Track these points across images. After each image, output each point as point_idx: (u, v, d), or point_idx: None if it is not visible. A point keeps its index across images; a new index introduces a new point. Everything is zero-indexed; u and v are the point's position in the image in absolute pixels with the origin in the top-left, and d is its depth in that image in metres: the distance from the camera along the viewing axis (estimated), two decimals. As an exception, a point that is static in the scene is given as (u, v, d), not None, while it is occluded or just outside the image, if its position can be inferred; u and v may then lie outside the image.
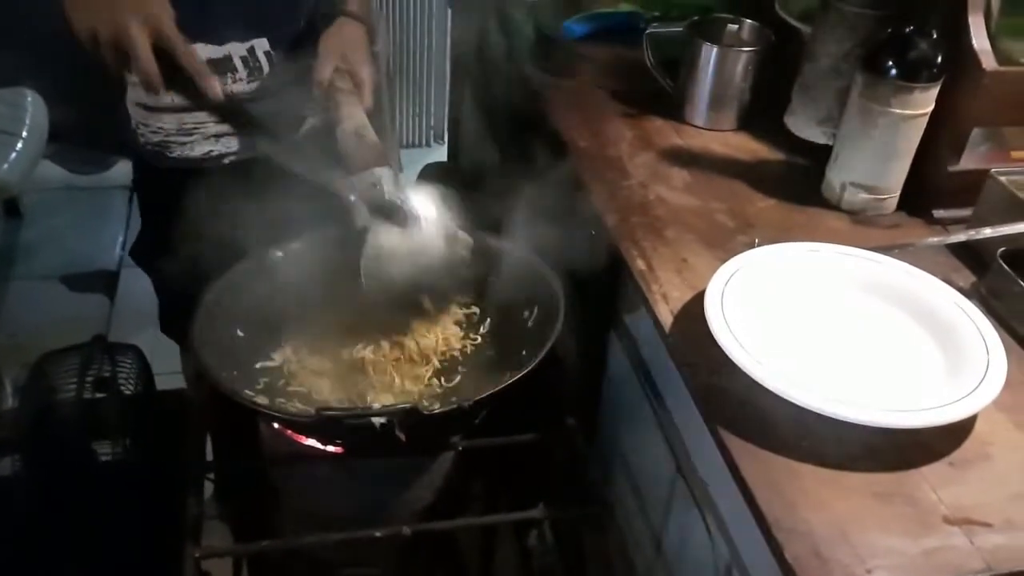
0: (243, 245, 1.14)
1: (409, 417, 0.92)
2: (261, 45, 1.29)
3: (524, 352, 1.05)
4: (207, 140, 1.34)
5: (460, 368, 1.12)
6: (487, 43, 1.78)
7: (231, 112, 1.12)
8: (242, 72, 1.29)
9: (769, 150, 1.28)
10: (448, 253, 1.13)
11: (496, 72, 1.71)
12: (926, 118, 1.08)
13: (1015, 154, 1.14)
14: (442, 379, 1.10)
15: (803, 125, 1.26)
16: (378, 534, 1.01)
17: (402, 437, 0.93)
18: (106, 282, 2.66)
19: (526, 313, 1.13)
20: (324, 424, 0.94)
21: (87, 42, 1.00)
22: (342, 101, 1.22)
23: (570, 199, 1.22)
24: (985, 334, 0.89)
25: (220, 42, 1.26)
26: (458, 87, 2.16)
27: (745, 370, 0.84)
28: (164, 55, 0.99)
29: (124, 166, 3.11)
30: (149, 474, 1.45)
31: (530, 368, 0.98)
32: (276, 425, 1.11)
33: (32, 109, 2.48)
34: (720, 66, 1.29)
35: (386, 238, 1.10)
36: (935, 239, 1.07)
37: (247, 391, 1.03)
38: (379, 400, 1.06)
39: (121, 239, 2.84)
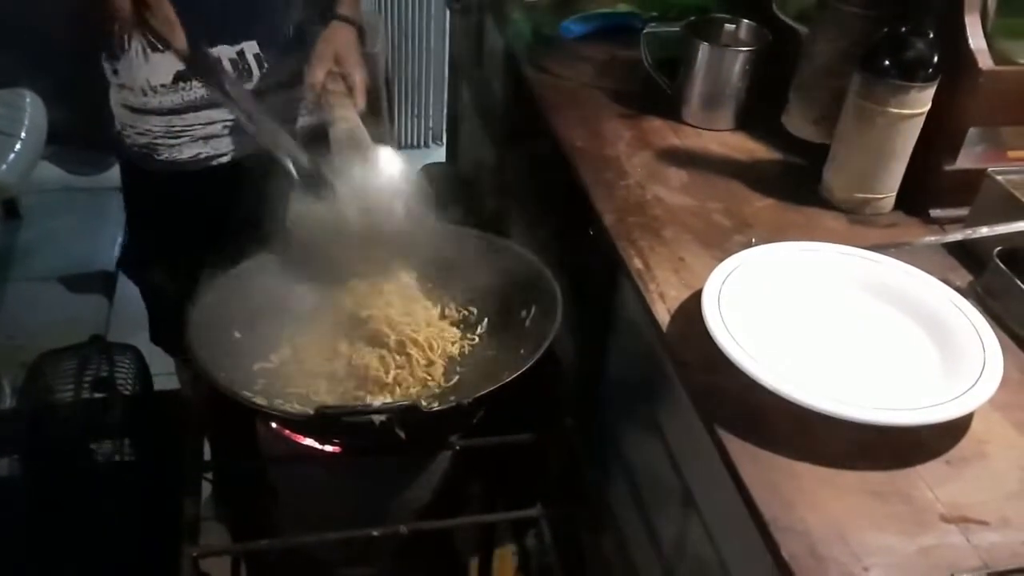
0: (236, 247, 1.14)
1: (408, 415, 0.93)
2: (251, 48, 1.30)
3: (522, 351, 1.06)
4: (195, 143, 1.33)
5: (458, 368, 1.12)
6: (485, 44, 1.78)
7: (198, 67, 1.13)
8: (231, 74, 1.30)
9: (766, 150, 1.28)
10: (379, 220, 1.13)
11: (494, 73, 1.71)
12: (922, 118, 1.08)
13: (1012, 154, 1.15)
14: (441, 378, 1.10)
15: (800, 125, 1.27)
16: (376, 533, 1.02)
17: (401, 435, 0.93)
18: (104, 283, 2.66)
19: (524, 312, 1.13)
20: (323, 422, 0.95)
21: None
22: (335, 103, 1.22)
23: (568, 199, 1.23)
24: (981, 333, 0.89)
25: (210, 44, 1.26)
26: (456, 88, 2.16)
27: (742, 368, 0.84)
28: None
29: (123, 167, 3.12)
30: (147, 474, 1.45)
31: (528, 367, 0.98)
32: (274, 425, 1.11)
33: (31, 110, 2.48)
34: (717, 66, 1.29)
35: (306, 206, 1.11)
36: (932, 238, 1.08)
37: (245, 391, 1.03)
38: (377, 400, 1.06)
39: (119, 240, 2.84)
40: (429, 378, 1.10)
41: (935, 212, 1.14)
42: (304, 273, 1.16)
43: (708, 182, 1.20)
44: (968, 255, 1.06)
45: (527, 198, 1.52)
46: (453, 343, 1.14)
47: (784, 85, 1.28)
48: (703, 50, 1.29)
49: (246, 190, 1.20)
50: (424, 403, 1.01)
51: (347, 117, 1.20)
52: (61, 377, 1.52)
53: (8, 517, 1.45)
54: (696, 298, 0.94)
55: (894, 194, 1.14)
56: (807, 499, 0.77)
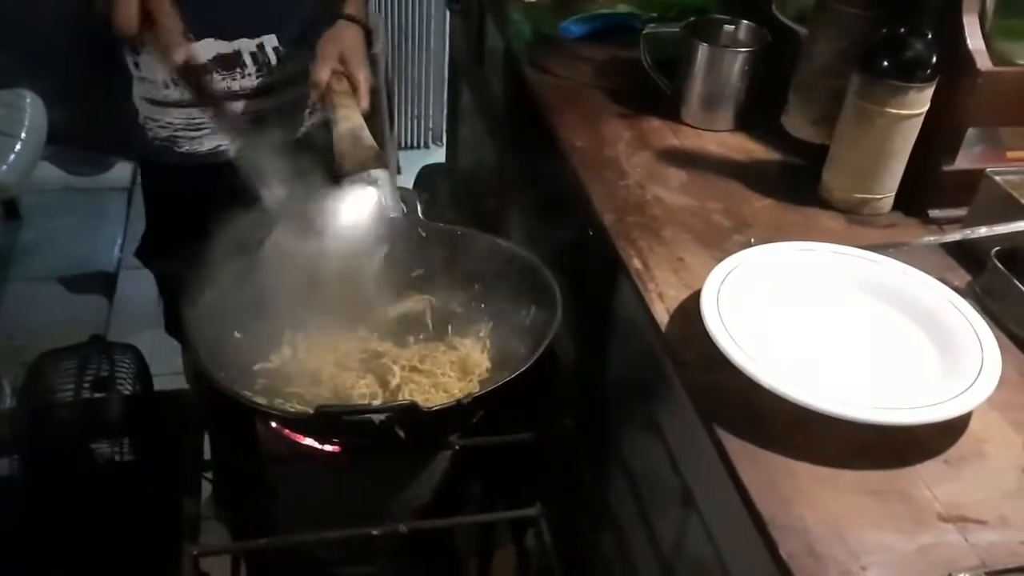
0: (246, 242, 1.14)
1: (408, 414, 0.93)
2: (270, 41, 1.30)
3: (522, 351, 1.06)
4: (215, 135, 1.34)
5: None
6: (485, 44, 1.79)
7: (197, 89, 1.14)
8: (251, 68, 1.31)
9: (765, 150, 1.29)
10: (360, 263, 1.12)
11: (494, 73, 1.71)
12: (921, 118, 1.08)
13: (1010, 154, 1.15)
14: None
15: (799, 125, 1.27)
16: (375, 532, 1.02)
17: (401, 434, 0.93)
18: (104, 283, 2.66)
19: (523, 312, 1.13)
20: (322, 421, 0.95)
21: None
22: (339, 103, 1.22)
23: (567, 199, 1.23)
24: (980, 333, 0.89)
25: (230, 38, 1.27)
26: (456, 88, 2.17)
27: (740, 367, 0.84)
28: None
29: (123, 168, 3.11)
30: (147, 474, 1.45)
31: (527, 367, 0.99)
32: (274, 424, 1.12)
33: (31, 110, 2.48)
34: (717, 66, 1.29)
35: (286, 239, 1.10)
36: (930, 238, 1.08)
37: (245, 391, 1.04)
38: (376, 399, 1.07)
39: (119, 241, 2.85)
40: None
41: (934, 212, 1.14)
42: (306, 276, 1.16)
43: (707, 182, 1.20)
44: (967, 255, 1.07)
45: (527, 198, 1.53)
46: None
47: (783, 86, 1.29)
48: (702, 51, 1.29)
49: (263, 182, 1.20)
50: (423, 402, 1.02)
51: (350, 117, 1.20)
52: (61, 377, 1.52)
53: (8, 517, 1.45)
54: (695, 298, 0.94)
55: (893, 194, 1.14)
56: (805, 498, 0.77)
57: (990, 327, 0.91)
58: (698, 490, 0.95)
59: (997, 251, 0.98)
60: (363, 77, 1.26)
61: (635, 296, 1.01)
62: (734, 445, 0.82)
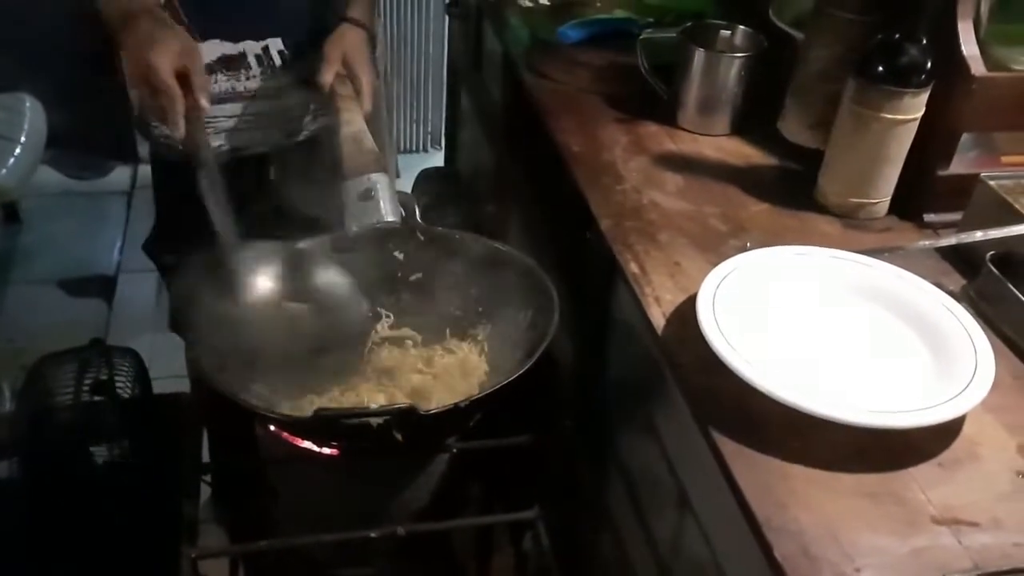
0: (250, 242, 1.15)
1: (406, 417, 0.93)
2: (276, 44, 1.31)
3: (520, 354, 1.06)
4: (218, 135, 1.35)
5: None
6: (483, 49, 1.79)
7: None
8: (255, 69, 1.32)
9: (762, 155, 1.29)
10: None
11: (492, 78, 1.72)
12: (916, 123, 1.09)
13: (1005, 159, 1.16)
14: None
15: (795, 130, 1.27)
16: (373, 535, 1.02)
17: (399, 437, 0.94)
18: (104, 286, 2.67)
19: (521, 316, 1.14)
20: (321, 424, 0.95)
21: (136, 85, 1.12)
22: (342, 106, 1.23)
23: (565, 203, 1.23)
24: (974, 336, 0.90)
25: (236, 39, 1.28)
26: (455, 93, 2.17)
27: (736, 371, 0.84)
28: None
29: (122, 172, 3.13)
30: (146, 476, 1.45)
31: (525, 369, 0.99)
32: (273, 427, 1.12)
33: (31, 115, 2.49)
34: (713, 71, 1.30)
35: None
36: (925, 243, 1.08)
37: (244, 394, 1.04)
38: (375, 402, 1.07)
39: (119, 244, 2.85)
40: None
41: (929, 217, 1.15)
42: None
43: (704, 187, 1.21)
44: (961, 259, 1.07)
45: (524, 202, 1.53)
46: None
47: (780, 91, 1.29)
48: (699, 56, 1.30)
49: (266, 183, 1.21)
50: (421, 405, 1.02)
51: (352, 120, 1.21)
52: (61, 380, 1.52)
53: (8, 519, 1.46)
54: (691, 302, 0.94)
55: (888, 199, 1.15)
56: (800, 500, 0.78)
57: (984, 331, 0.91)
58: (694, 492, 0.96)
59: (992, 255, 0.99)
60: (366, 80, 1.27)
61: (632, 300, 1.02)
62: (730, 448, 0.82)
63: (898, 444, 0.83)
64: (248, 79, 1.32)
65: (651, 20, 1.54)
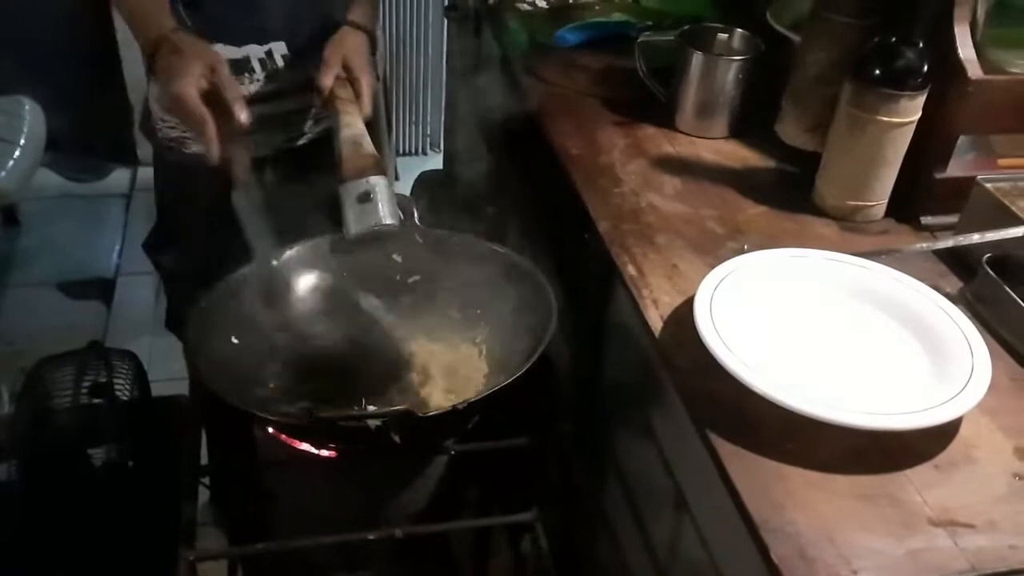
0: (249, 246, 1.15)
1: (404, 419, 0.93)
2: (279, 48, 1.32)
3: (518, 357, 1.06)
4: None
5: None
6: (482, 52, 1.80)
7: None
8: (259, 73, 1.32)
9: (759, 158, 1.29)
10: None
11: (491, 81, 1.72)
12: (913, 126, 1.09)
13: (1002, 161, 1.16)
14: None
15: (793, 133, 1.28)
16: (371, 537, 1.02)
17: (396, 439, 0.94)
18: (103, 289, 2.67)
19: (520, 318, 1.14)
20: (319, 426, 0.95)
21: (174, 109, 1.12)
22: (342, 109, 1.23)
23: (563, 206, 1.24)
24: (970, 338, 0.90)
25: (239, 44, 1.28)
26: (454, 96, 2.18)
27: (733, 373, 0.85)
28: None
29: (121, 174, 3.13)
30: (145, 479, 1.45)
31: (522, 372, 0.99)
32: (271, 429, 1.12)
33: (30, 117, 2.49)
34: (711, 75, 1.30)
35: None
36: (922, 245, 1.09)
37: (242, 396, 1.04)
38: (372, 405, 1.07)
39: (118, 247, 2.85)
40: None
41: (926, 219, 1.15)
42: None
43: (701, 189, 1.21)
44: (958, 262, 1.07)
45: (523, 204, 1.53)
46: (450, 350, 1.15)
47: (777, 94, 1.29)
48: (697, 59, 1.30)
49: (269, 187, 1.22)
50: (419, 407, 1.02)
51: (352, 123, 1.21)
52: (59, 383, 1.52)
53: (7, 522, 1.45)
54: (689, 304, 0.94)
55: (885, 201, 1.15)
56: (797, 502, 0.78)
57: (981, 333, 0.91)
58: (692, 494, 0.96)
59: (988, 258, 0.99)
60: (366, 83, 1.27)
61: (629, 302, 1.02)
62: (726, 450, 0.83)
63: (895, 446, 0.83)
64: (251, 83, 1.32)
65: (649, 23, 1.54)
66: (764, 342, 0.91)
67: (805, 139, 1.26)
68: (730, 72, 1.30)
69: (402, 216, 1.20)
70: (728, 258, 1.01)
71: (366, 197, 1.15)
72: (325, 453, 1.10)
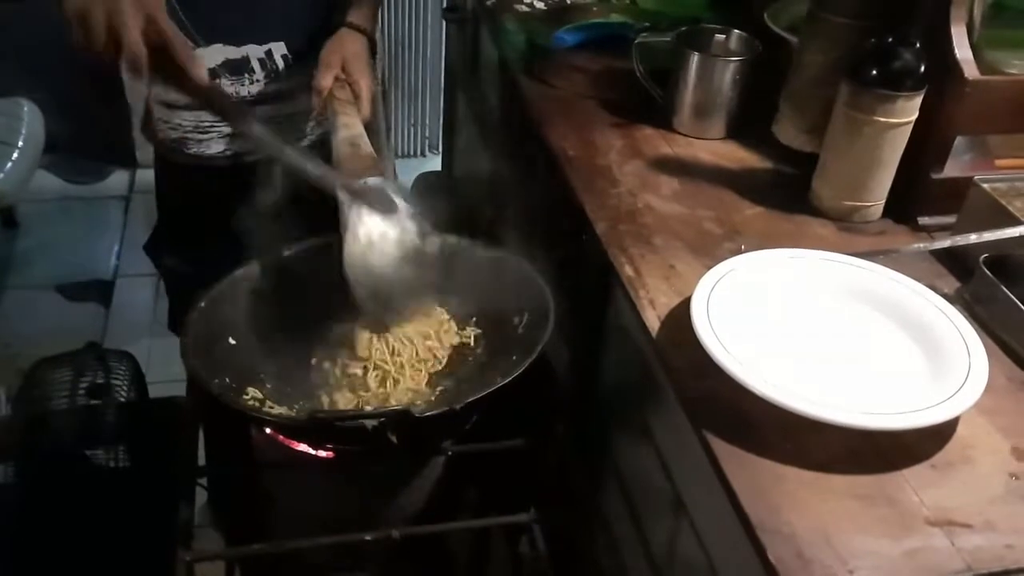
0: (249, 246, 1.15)
1: (401, 420, 0.93)
2: (279, 48, 1.32)
3: (514, 358, 1.06)
4: (222, 139, 1.36)
5: (451, 374, 1.13)
6: (480, 54, 1.80)
7: (218, 104, 1.10)
8: (259, 74, 1.32)
9: (757, 159, 1.30)
10: (421, 249, 1.10)
11: (489, 82, 1.72)
12: (910, 127, 1.09)
13: (999, 162, 1.16)
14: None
15: (790, 134, 1.28)
16: (368, 538, 1.02)
17: (393, 440, 0.94)
18: (101, 291, 2.67)
19: (517, 319, 1.14)
20: (315, 427, 0.95)
21: (76, 22, 0.93)
22: (340, 111, 1.23)
23: (561, 207, 1.24)
24: (967, 339, 0.90)
25: (238, 43, 1.28)
26: (452, 97, 2.18)
27: (730, 373, 0.85)
28: (155, 47, 0.96)
29: (120, 176, 3.14)
30: (142, 480, 1.45)
31: (520, 372, 0.99)
32: (268, 430, 1.12)
33: (28, 119, 2.50)
34: (708, 76, 1.30)
35: (371, 225, 1.07)
36: (919, 245, 1.09)
37: (239, 397, 1.04)
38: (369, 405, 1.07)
39: (116, 248, 2.86)
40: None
41: (923, 220, 1.15)
42: (303, 285, 1.17)
43: (699, 190, 1.21)
44: (955, 262, 1.07)
45: (521, 206, 1.53)
46: (446, 348, 1.15)
47: (774, 95, 1.30)
48: (694, 60, 1.30)
49: (269, 189, 1.22)
50: (416, 408, 1.02)
51: (350, 125, 1.21)
52: (57, 384, 1.52)
53: (4, 523, 1.45)
54: (686, 305, 0.94)
55: (882, 202, 1.15)
56: (794, 502, 0.78)
57: (978, 333, 0.91)
58: (689, 495, 0.96)
59: (985, 258, 0.99)
60: (365, 85, 1.27)
61: (627, 303, 1.02)
62: (724, 450, 0.83)
63: (892, 446, 0.83)
64: (251, 83, 1.32)
65: (647, 25, 1.54)
66: (761, 342, 0.91)
67: (802, 140, 1.26)
68: (727, 73, 1.30)
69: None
70: (725, 259, 1.01)
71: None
72: (322, 454, 1.10)
